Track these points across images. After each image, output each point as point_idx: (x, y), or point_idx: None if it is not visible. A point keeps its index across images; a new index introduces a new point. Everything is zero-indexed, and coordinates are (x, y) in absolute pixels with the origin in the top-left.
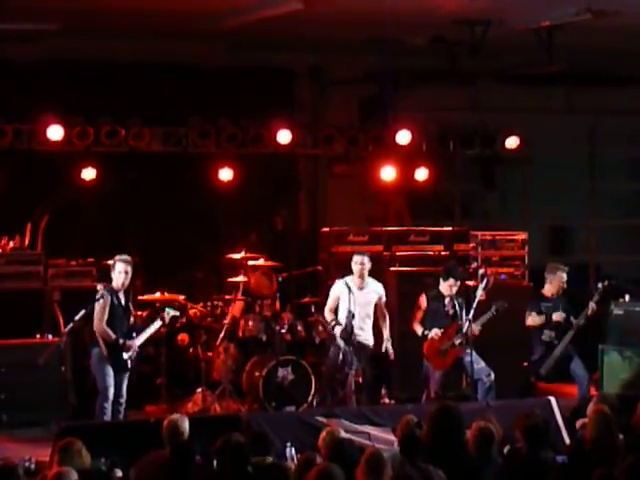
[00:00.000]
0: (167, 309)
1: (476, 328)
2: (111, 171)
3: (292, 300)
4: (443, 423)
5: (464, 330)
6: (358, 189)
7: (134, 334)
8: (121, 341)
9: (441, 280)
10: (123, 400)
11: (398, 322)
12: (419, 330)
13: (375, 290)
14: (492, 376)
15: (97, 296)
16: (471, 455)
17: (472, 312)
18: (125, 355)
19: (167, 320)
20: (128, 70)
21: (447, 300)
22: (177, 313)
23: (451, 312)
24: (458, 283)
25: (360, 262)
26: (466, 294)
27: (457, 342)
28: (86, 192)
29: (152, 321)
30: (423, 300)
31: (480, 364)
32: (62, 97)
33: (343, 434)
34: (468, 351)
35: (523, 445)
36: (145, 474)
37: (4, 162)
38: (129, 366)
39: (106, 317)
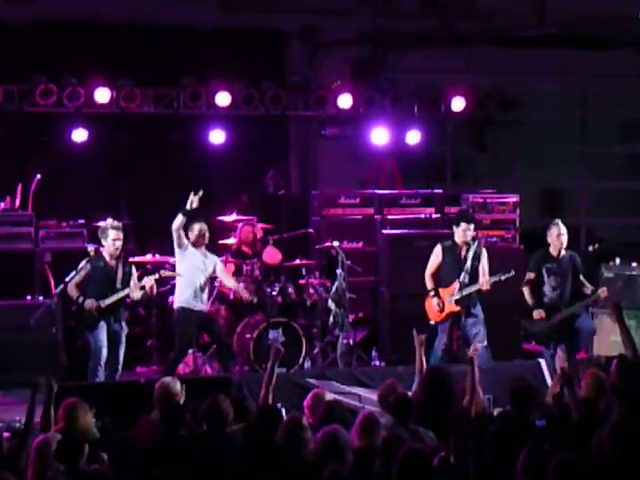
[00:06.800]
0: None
1: (489, 282)
2: (102, 133)
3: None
4: (434, 386)
5: (457, 293)
6: (349, 151)
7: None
8: (80, 300)
9: (454, 228)
10: (119, 367)
11: (389, 284)
12: (428, 285)
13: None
14: (485, 342)
15: (80, 265)
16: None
17: (465, 275)
18: (86, 312)
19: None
20: (119, 31)
21: (463, 250)
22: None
23: (464, 263)
24: (472, 226)
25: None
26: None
27: (454, 298)
28: (77, 154)
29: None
30: (438, 252)
31: (478, 329)
32: (52, 58)
33: (329, 396)
34: (473, 312)
35: (511, 408)
36: (137, 436)
37: None
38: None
39: (78, 280)
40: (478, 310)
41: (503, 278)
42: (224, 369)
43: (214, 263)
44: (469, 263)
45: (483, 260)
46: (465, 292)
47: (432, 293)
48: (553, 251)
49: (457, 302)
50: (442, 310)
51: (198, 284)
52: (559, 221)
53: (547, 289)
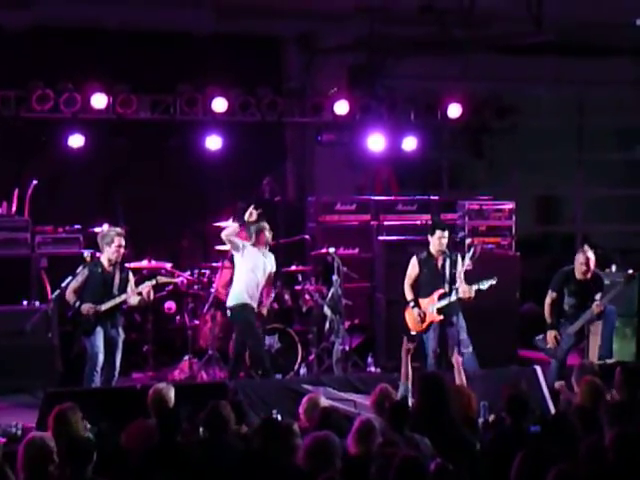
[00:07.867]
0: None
1: (471, 290)
2: (98, 138)
3: (279, 269)
4: (429, 392)
5: (439, 303)
6: (346, 158)
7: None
8: (77, 304)
9: (429, 237)
10: (116, 373)
11: (385, 291)
12: (408, 296)
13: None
14: (470, 348)
15: (77, 270)
16: (457, 422)
17: (459, 282)
18: (83, 318)
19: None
20: (116, 37)
21: (440, 260)
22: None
23: (442, 273)
24: (446, 233)
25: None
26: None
27: (435, 308)
28: (73, 159)
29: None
30: (414, 264)
31: (462, 336)
32: (49, 64)
33: (324, 402)
34: (454, 321)
35: (506, 415)
36: (133, 442)
37: None
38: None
39: (77, 285)
40: (460, 319)
41: (485, 287)
42: (231, 376)
43: (272, 265)
44: (447, 272)
45: (458, 267)
46: (445, 302)
47: (412, 304)
48: (578, 274)
49: (439, 311)
50: (423, 320)
51: (254, 284)
52: (587, 249)
53: (567, 307)
